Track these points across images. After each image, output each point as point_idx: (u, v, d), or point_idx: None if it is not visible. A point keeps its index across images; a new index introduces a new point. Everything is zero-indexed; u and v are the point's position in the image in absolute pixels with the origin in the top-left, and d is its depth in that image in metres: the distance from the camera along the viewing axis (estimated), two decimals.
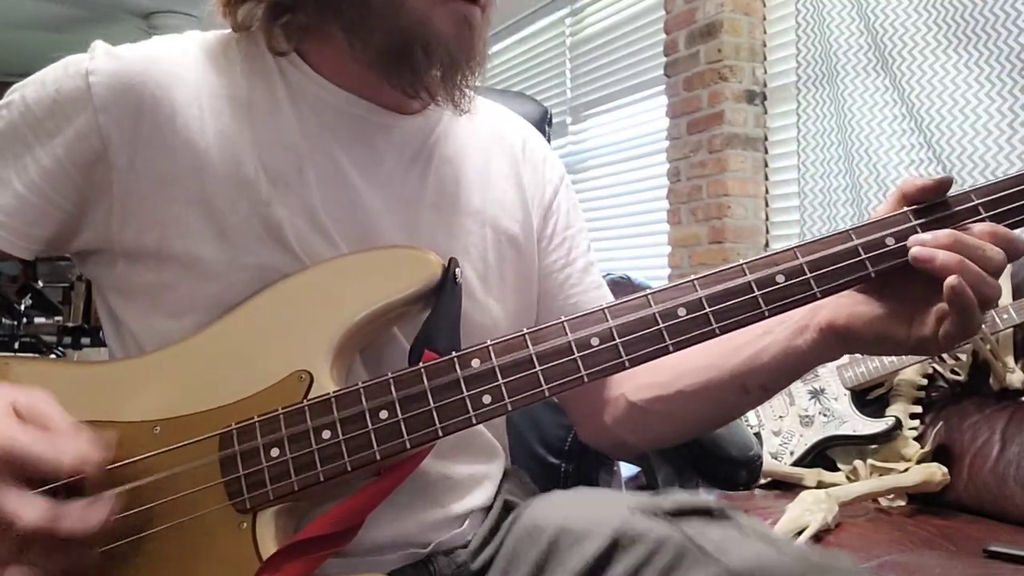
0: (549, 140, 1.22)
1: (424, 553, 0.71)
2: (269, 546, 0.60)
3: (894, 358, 1.73)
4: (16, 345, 3.93)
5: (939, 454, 1.69)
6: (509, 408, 0.62)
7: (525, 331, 0.63)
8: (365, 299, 0.66)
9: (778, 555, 0.60)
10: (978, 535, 1.46)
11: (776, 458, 1.83)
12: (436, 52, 0.69)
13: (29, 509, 0.53)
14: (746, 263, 0.63)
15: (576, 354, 0.62)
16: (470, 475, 0.75)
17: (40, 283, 4.62)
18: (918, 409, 1.75)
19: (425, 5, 0.68)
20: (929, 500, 1.66)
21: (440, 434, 0.61)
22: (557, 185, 0.87)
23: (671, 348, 0.62)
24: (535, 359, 0.62)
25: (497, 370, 0.62)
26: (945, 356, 1.75)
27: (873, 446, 1.73)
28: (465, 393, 0.62)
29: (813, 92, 2.66)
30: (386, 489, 0.63)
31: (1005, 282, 1.72)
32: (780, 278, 0.62)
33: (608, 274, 3.23)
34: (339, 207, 0.71)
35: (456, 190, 0.77)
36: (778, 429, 1.87)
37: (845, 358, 1.83)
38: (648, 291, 0.63)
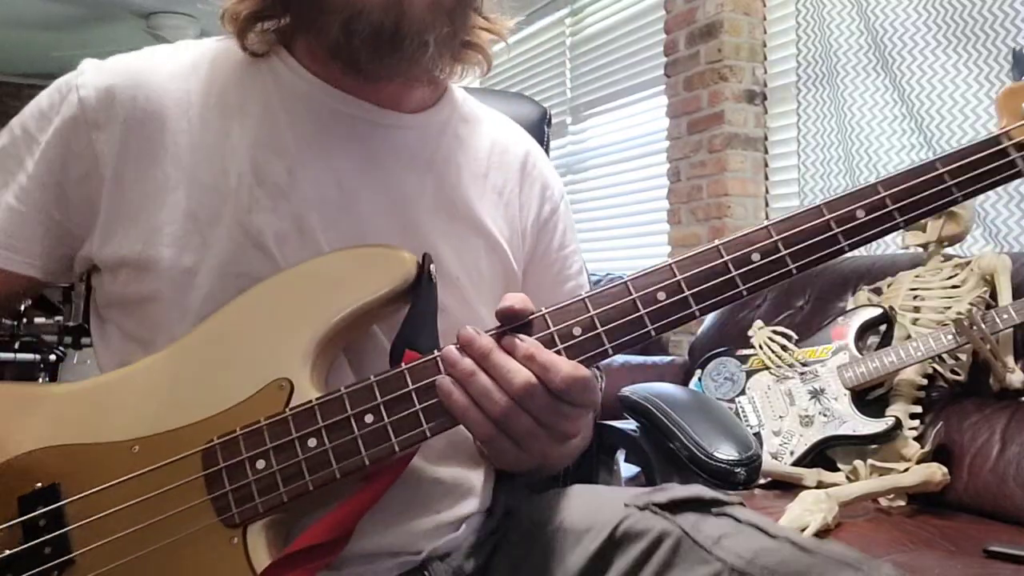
0: (548, 140, 1.21)
1: (418, 560, 0.71)
2: (262, 559, 0.59)
3: (893, 357, 1.73)
4: (16, 345, 3.92)
5: (939, 454, 1.68)
6: None
7: (507, 326, 0.62)
8: (341, 302, 0.64)
9: (774, 545, 0.61)
10: (978, 535, 1.46)
11: (776, 458, 1.83)
12: (358, 27, 0.65)
13: None
14: (721, 244, 0.64)
15: (560, 345, 0.62)
16: (461, 479, 0.75)
17: None
18: (918, 409, 1.75)
19: None
20: (929, 500, 1.66)
21: (428, 435, 0.61)
22: (557, 203, 0.86)
23: (652, 333, 0.62)
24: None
25: None
26: (945, 356, 1.75)
27: (873, 446, 1.73)
28: None
29: (813, 92, 2.66)
30: (375, 494, 0.62)
31: (1005, 282, 1.72)
32: (756, 256, 0.63)
33: (608, 274, 3.23)
34: (331, 209, 0.70)
35: (454, 196, 0.76)
36: (778, 429, 1.87)
37: (845, 357, 1.83)
38: (626, 278, 0.63)
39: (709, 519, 0.65)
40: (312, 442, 0.60)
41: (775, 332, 2.00)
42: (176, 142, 0.68)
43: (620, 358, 2.65)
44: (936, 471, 1.63)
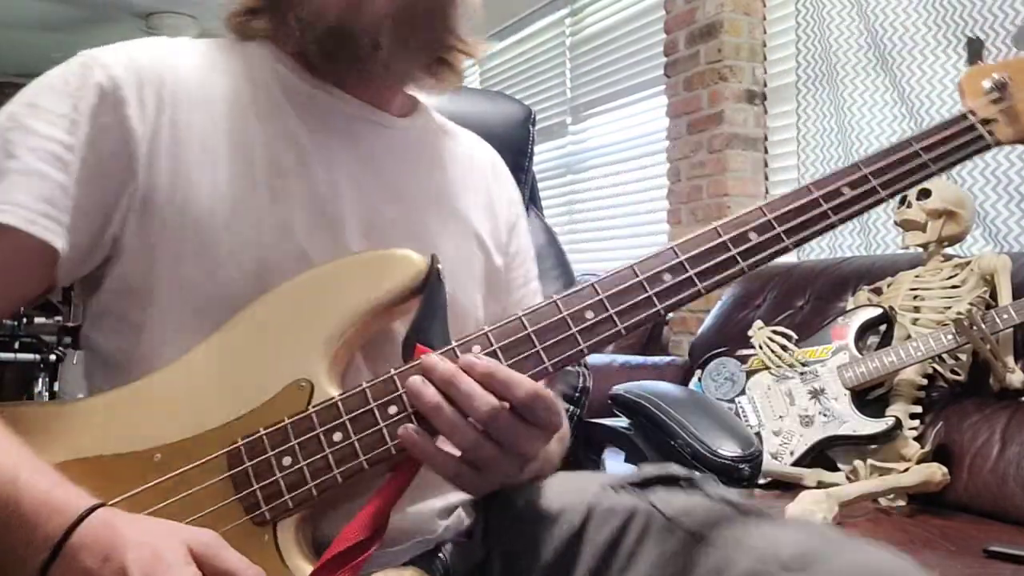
0: (534, 140, 1.21)
1: (433, 540, 0.72)
2: (293, 556, 0.60)
3: (893, 357, 1.73)
4: (16, 345, 3.92)
5: (939, 454, 1.69)
6: None
7: (520, 313, 0.64)
8: (355, 302, 0.66)
9: (739, 516, 0.63)
10: (978, 535, 1.46)
11: (776, 458, 1.83)
12: (312, 28, 0.69)
13: None
14: (719, 225, 0.68)
15: (573, 328, 0.63)
16: None
17: None
18: (918, 409, 1.75)
19: None
20: (929, 500, 1.66)
21: None
22: (518, 209, 0.91)
23: (662, 312, 0.65)
24: (534, 338, 0.63)
25: (499, 352, 0.63)
26: (945, 356, 1.75)
27: (873, 446, 1.73)
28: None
29: (813, 92, 2.66)
30: (402, 484, 0.63)
31: (1005, 282, 1.72)
32: (752, 235, 0.67)
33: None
34: (344, 198, 0.72)
35: (447, 195, 0.80)
36: (778, 429, 1.87)
37: (845, 357, 1.83)
38: (631, 263, 0.66)
39: (679, 493, 0.67)
40: (337, 436, 0.61)
41: (775, 332, 2.00)
42: (203, 126, 0.69)
43: (620, 358, 2.65)
44: (936, 471, 1.63)
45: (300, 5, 0.70)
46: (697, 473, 0.69)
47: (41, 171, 0.64)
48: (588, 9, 3.63)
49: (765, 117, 2.85)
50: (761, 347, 1.98)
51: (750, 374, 1.98)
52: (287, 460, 0.61)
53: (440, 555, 0.73)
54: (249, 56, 0.75)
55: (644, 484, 0.68)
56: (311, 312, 0.66)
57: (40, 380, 3.79)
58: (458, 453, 0.61)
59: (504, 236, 0.86)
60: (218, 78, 0.72)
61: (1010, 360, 1.70)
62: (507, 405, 0.60)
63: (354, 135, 0.75)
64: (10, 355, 3.77)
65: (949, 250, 1.90)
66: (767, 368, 1.96)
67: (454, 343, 0.64)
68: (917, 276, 1.84)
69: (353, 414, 0.62)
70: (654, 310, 0.64)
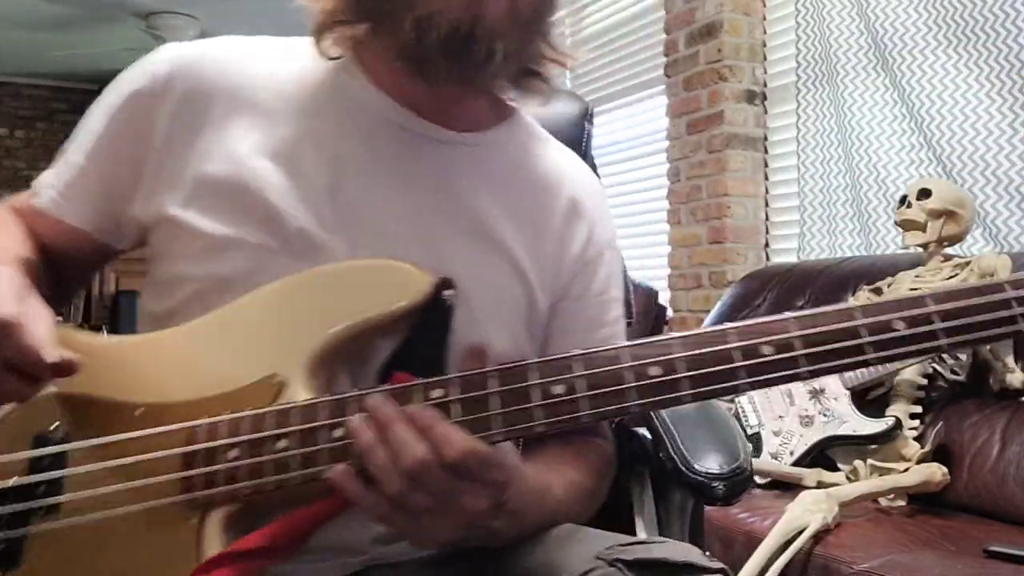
0: (590, 137, 1.14)
1: (358, 563, 0.70)
2: (213, 547, 0.59)
3: None
4: None
5: (939, 454, 1.69)
6: None
7: (496, 366, 0.59)
8: (348, 312, 0.64)
9: None
10: (978, 535, 1.47)
11: (776, 458, 1.83)
12: (433, 25, 0.65)
13: None
14: (733, 329, 0.58)
15: (533, 402, 0.58)
16: None
17: None
18: (918, 409, 1.75)
19: None
20: (929, 500, 1.66)
21: None
22: (602, 248, 0.82)
23: (633, 408, 0.58)
24: (501, 399, 0.58)
25: (459, 404, 0.58)
26: (945, 356, 1.75)
27: (873, 446, 1.73)
28: None
29: (813, 92, 2.66)
30: (333, 509, 0.59)
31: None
32: (767, 349, 0.57)
33: None
34: (358, 211, 0.70)
35: (489, 218, 0.75)
36: (778, 429, 1.87)
37: None
38: (625, 344, 0.59)
39: None
40: (282, 443, 0.60)
41: None
42: (225, 117, 0.72)
43: None
44: (936, 471, 1.64)
45: (416, 7, 0.66)
46: (706, 559, 0.62)
47: (76, 161, 0.75)
48: (588, 9, 3.63)
49: (765, 117, 2.85)
50: None
51: None
52: (233, 452, 0.60)
53: None
54: (313, 62, 0.75)
55: (640, 566, 0.61)
56: (302, 312, 0.66)
57: None
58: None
59: (564, 276, 0.79)
60: (266, 77, 0.74)
61: (1010, 360, 1.70)
62: (438, 459, 0.55)
63: (400, 147, 0.73)
64: None
65: (949, 250, 1.90)
66: None
67: (422, 381, 0.59)
68: (917, 276, 1.84)
69: (302, 426, 0.60)
70: (624, 405, 0.57)
